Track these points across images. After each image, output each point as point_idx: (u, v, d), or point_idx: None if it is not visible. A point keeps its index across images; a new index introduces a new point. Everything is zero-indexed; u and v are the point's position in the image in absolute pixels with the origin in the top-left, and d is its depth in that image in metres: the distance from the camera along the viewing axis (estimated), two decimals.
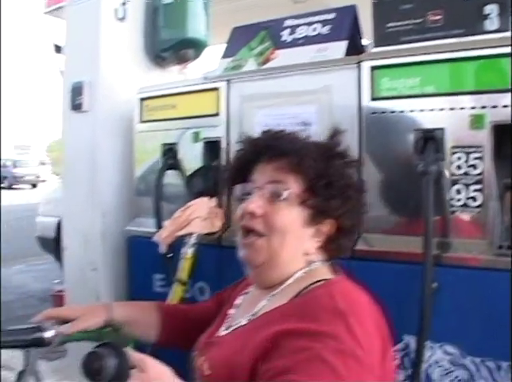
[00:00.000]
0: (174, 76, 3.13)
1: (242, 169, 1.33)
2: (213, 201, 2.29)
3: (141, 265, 2.61)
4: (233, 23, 2.68)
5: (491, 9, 1.89)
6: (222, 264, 2.26)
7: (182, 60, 3.08)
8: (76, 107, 2.87)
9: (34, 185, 27.07)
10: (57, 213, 5.67)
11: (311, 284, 1.17)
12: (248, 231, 1.24)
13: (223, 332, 1.29)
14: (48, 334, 1.34)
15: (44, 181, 27.75)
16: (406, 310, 1.72)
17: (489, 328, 1.66)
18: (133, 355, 0.97)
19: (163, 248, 2.24)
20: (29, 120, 38.65)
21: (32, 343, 1.33)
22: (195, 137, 2.43)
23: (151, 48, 3.05)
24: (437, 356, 1.76)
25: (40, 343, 1.33)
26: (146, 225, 2.58)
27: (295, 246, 1.21)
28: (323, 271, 1.23)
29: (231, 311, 1.36)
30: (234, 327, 1.25)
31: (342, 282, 1.18)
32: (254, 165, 1.30)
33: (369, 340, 1.01)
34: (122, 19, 2.92)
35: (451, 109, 1.81)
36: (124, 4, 2.92)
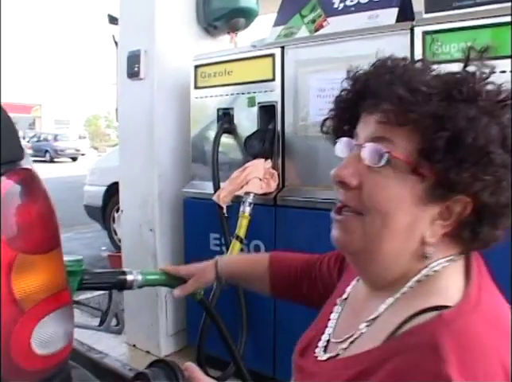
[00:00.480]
0: (225, 45, 3.22)
1: (346, 118, 0.96)
2: (269, 163, 2.40)
3: (197, 225, 2.75)
4: None
5: None
6: (276, 223, 2.39)
7: (233, 28, 3.17)
8: (133, 74, 2.99)
9: (74, 159, 27.50)
10: (103, 183, 5.88)
11: (419, 312, 0.77)
12: (341, 207, 0.90)
13: (322, 352, 0.96)
14: (130, 277, 1.47)
15: (83, 154, 28.28)
16: None
17: None
18: (186, 372, 0.98)
19: (222, 207, 2.37)
20: (67, 96, 39.12)
21: (115, 285, 1.47)
22: (251, 101, 2.53)
23: (203, 18, 3.13)
24: None
25: (123, 285, 1.47)
26: (202, 187, 2.71)
27: (406, 232, 0.83)
28: (451, 280, 0.82)
29: (338, 305, 1.04)
30: (342, 345, 0.91)
31: (469, 315, 0.73)
32: (360, 111, 0.91)
33: None
34: None
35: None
36: None
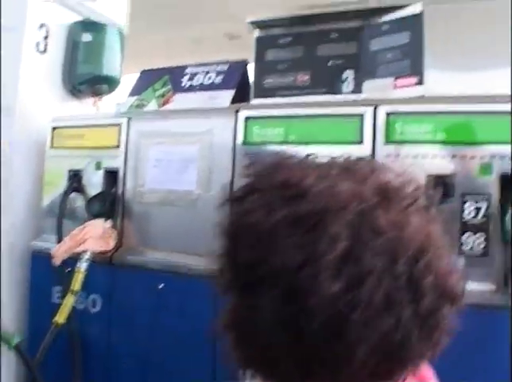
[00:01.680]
0: (89, 108, 3.41)
1: None
2: (109, 223, 2.59)
3: (43, 278, 2.85)
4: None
5: (348, 75, 2.30)
6: (113, 280, 2.56)
7: (96, 93, 3.37)
8: None
9: None
10: None
11: None
12: None
13: None
14: None
15: None
16: None
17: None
18: None
19: (57, 262, 2.52)
20: None
21: None
22: (97, 165, 2.73)
23: (69, 81, 3.32)
24: None
25: None
26: (50, 241, 2.83)
27: None
28: None
29: None
30: None
31: None
32: None
33: None
34: (42, 52, 3.19)
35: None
36: (46, 38, 3.19)
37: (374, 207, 0.62)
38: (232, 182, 2.30)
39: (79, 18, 3.36)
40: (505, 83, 1.99)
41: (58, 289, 2.75)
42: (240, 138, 2.32)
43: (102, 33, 3.31)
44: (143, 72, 3.02)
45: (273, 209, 0.64)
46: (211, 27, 5.13)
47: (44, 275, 2.83)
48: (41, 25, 3.19)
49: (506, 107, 1.90)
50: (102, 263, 2.57)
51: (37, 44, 3.18)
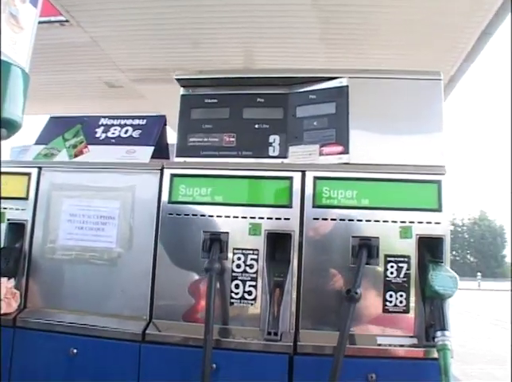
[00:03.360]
0: None
1: None
2: (11, 282, 2.38)
3: None
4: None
5: (274, 139, 2.36)
6: (14, 344, 2.34)
7: None
8: None
9: None
10: None
11: None
12: None
13: None
14: None
15: None
16: None
17: None
18: None
19: None
20: None
21: None
22: (2, 218, 2.53)
23: None
24: None
25: None
26: None
27: None
28: None
29: None
30: None
31: None
32: None
33: None
34: None
35: (235, 217, 2.20)
36: None
37: None
38: (156, 240, 2.25)
39: None
40: (420, 149, 2.22)
41: None
42: (166, 196, 2.28)
43: (5, 71, 3.13)
44: (51, 119, 2.88)
45: None
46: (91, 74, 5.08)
47: None
48: None
49: (423, 177, 2.11)
50: (4, 326, 2.34)
51: None
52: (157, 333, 2.17)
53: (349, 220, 2.13)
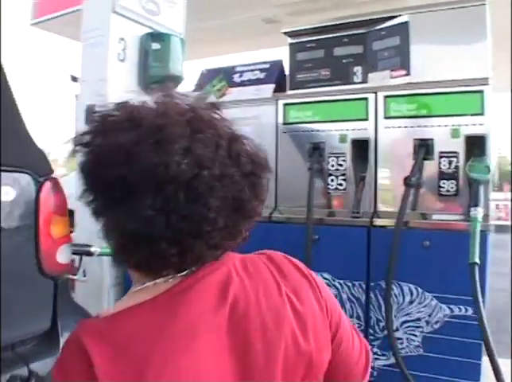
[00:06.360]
0: None
1: None
2: None
3: None
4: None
5: (357, 69, 3.12)
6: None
7: None
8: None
9: None
10: None
11: None
12: None
13: None
14: (93, 249, 2.53)
15: None
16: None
17: (350, 261, 2.88)
18: None
19: None
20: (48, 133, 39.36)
21: (84, 252, 2.53)
22: None
23: (143, 81, 4.22)
24: None
25: (88, 253, 2.52)
26: None
27: None
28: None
29: None
30: None
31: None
32: None
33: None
34: (122, 60, 4.11)
35: (329, 130, 3.03)
36: (124, 49, 4.11)
37: (195, 119, 0.89)
38: (277, 153, 3.17)
39: (148, 30, 4.27)
40: (468, 65, 2.78)
41: None
42: (281, 120, 3.18)
43: (167, 41, 4.21)
44: (203, 72, 3.91)
45: (125, 133, 0.86)
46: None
47: None
48: (120, 39, 4.11)
49: (469, 88, 2.72)
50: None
51: (118, 55, 4.10)
52: (279, 216, 3.13)
53: (411, 127, 2.84)
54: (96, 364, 0.77)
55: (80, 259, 2.56)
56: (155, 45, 4.19)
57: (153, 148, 0.83)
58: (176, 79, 4.32)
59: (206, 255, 0.90)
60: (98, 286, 3.85)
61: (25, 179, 1.84)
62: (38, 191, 1.86)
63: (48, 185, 1.89)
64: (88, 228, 4.04)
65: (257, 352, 0.87)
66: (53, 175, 1.96)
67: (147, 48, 4.22)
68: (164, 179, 0.81)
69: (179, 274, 0.90)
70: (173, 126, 0.85)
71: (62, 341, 1.93)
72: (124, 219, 0.84)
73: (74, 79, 4.39)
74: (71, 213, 2.25)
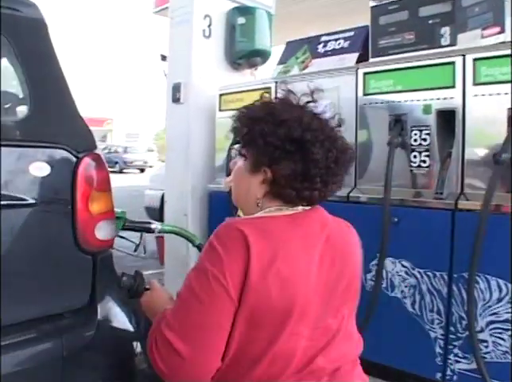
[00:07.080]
0: (247, 77, 4.23)
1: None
2: None
3: (218, 211, 3.73)
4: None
5: (445, 30, 2.81)
6: None
7: (252, 65, 4.17)
8: (175, 100, 4.04)
9: (142, 170, 28.70)
10: (161, 188, 6.95)
11: None
12: None
13: None
14: (153, 226, 2.48)
15: (151, 166, 29.54)
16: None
17: (432, 248, 2.62)
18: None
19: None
20: (138, 111, 41.24)
21: (144, 229, 2.49)
22: None
23: (229, 57, 4.15)
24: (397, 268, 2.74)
25: (148, 230, 2.48)
26: (221, 183, 3.69)
27: (246, 192, 1.40)
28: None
29: None
30: None
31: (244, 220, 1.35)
32: None
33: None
34: (208, 37, 4.04)
35: (411, 101, 2.76)
36: (209, 25, 4.04)
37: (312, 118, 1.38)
38: (356, 124, 2.94)
39: (234, 5, 4.16)
40: None
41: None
42: (360, 91, 2.95)
43: (254, 15, 4.08)
44: (288, 44, 3.75)
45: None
46: None
47: (219, 209, 3.70)
48: (205, 16, 4.04)
49: None
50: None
51: (204, 32, 4.04)
52: (359, 195, 2.92)
53: (505, 94, 2.48)
54: (251, 241, 1.20)
55: (141, 236, 2.54)
56: (241, 20, 4.09)
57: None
58: (264, 55, 4.20)
59: (320, 199, 1.39)
60: (183, 264, 3.88)
61: (62, 154, 1.80)
62: (76, 166, 1.81)
63: (86, 160, 1.84)
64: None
65: (335, 270, 1.34)
66: (96, 151, 1.91)
67: (233, 22, 4.13)
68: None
69: (300, 208, 1.37)
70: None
71: (100, 316, 1.91)
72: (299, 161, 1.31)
73: (163, 58, 4.40)
74: None
